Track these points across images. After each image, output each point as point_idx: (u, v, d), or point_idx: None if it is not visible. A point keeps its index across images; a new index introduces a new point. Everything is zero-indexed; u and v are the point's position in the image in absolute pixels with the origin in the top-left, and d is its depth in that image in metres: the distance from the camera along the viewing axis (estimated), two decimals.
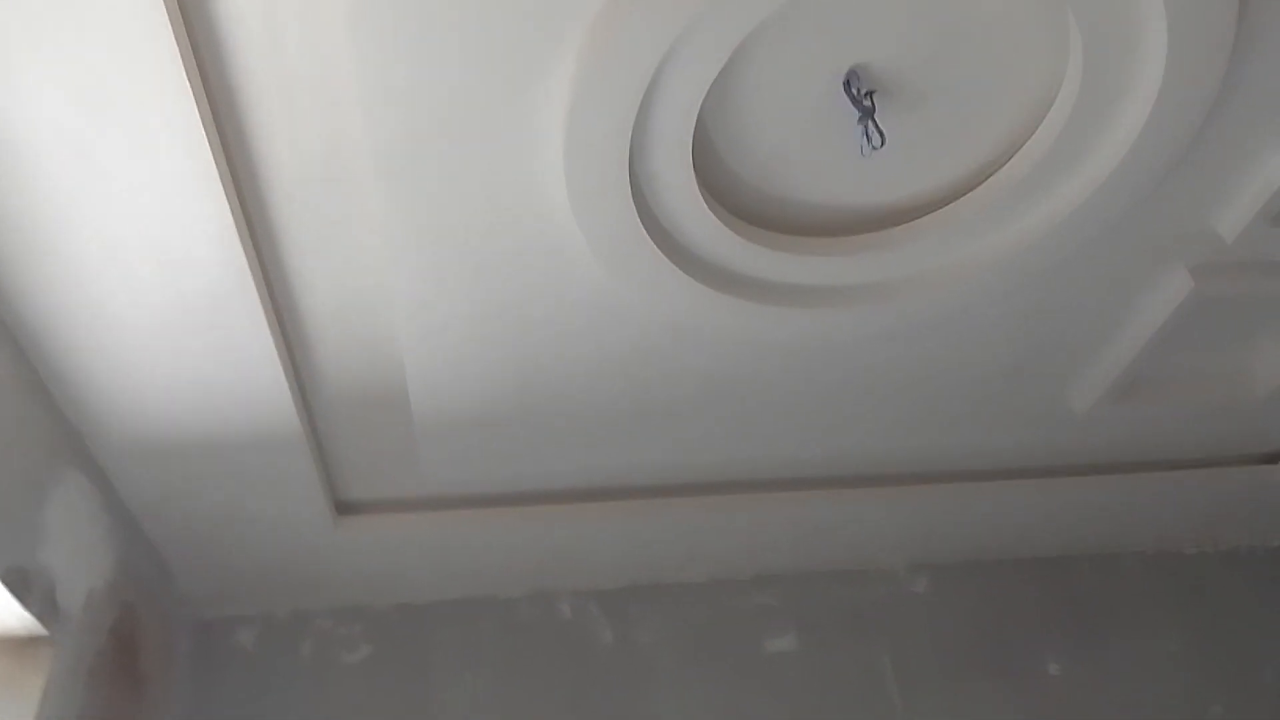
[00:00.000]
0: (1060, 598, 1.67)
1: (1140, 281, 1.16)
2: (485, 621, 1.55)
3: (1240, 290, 1.14)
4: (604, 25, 0.78)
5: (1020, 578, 1.67)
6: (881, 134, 0.85)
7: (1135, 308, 1.19)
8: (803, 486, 1.49)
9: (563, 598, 1.58)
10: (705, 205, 0.94)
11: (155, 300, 0.98)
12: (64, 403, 1.09)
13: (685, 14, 0.77)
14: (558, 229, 0.96)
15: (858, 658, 1.58)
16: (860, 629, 1.60)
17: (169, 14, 0.74)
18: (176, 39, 0.75)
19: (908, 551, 1.64)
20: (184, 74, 0.77)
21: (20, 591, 1.02)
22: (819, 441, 1.39)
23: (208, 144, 0.83)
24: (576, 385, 1.22)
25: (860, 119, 0.85)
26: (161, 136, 0.82)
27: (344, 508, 1.41)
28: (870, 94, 0.86)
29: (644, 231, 0.94)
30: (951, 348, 1.23)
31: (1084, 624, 1.65)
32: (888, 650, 1.58)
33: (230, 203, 0.89)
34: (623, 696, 1.51)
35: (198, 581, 1.45)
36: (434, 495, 1.40)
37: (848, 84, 0.87)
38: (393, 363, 1.16)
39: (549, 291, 1.07)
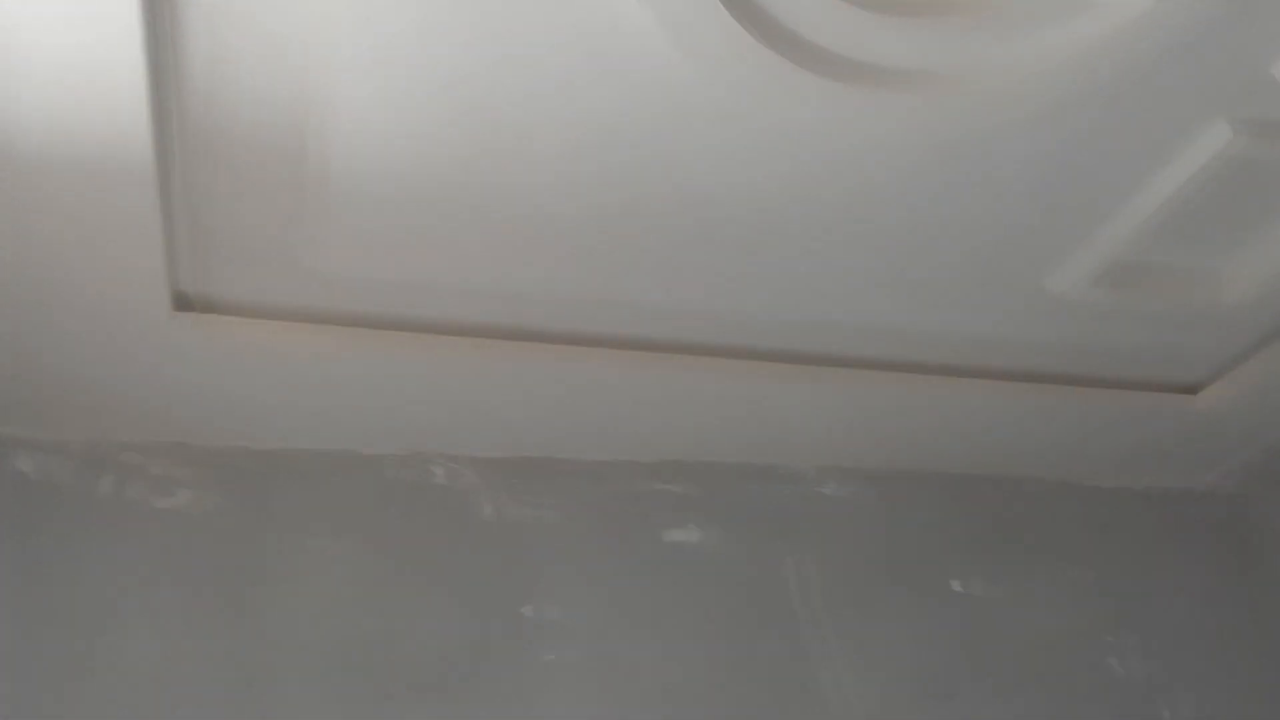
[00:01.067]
0: (974, 517, 1.54)
1: (1177, 129, 1.01)
2: (343, 479, 1.24)
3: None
4: None
5: (933, 491, 1.53)
6: None
7: (1166, 160, 1.04)
8: (731, 353, 1.28)
9: (438, 461, 1.29)
10: None
11: None
12: None
13: None
14: None
15: (762, 557, 1.39)
16: (766, 528, 1.40)
17: None
18: None
19: (819, 452, 1.46)
20: None
21: None
22: (774, 294, 1.21)
23: None
24: (547, 177, 0.99)
25: None
26: None
27: (184, 301, 1.06)
28: None
29: None
30: (966, 187, 1.08)
31: (995, 546, 1.53)
32: (791, 552, 1.39)
33: None
34: (498, 579, 1.25)
35: None
36: (307, 303, 1.10)
37: None
38: (304, 99, 0.87)
39: (560, 42, 0.83)
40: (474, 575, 1.25)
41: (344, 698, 1.12)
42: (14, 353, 1.05)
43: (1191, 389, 1.52)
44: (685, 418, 1.35)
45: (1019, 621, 1.46)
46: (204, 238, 0.99)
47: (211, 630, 1.11)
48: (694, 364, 1.26)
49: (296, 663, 1.11)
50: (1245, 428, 1.57)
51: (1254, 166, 1.08)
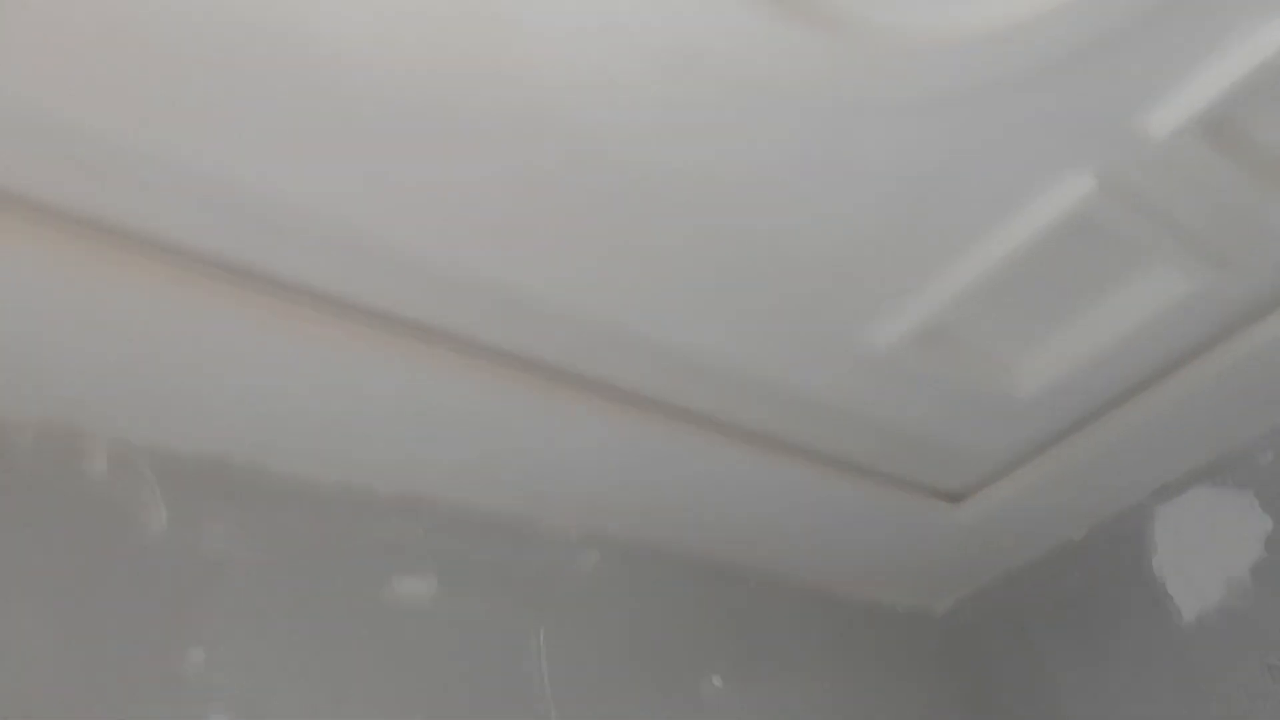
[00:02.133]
0: (726, 613, 1.34)
1: (1039, 173, 0.92)
2: None
3: (1134, 215, 1.00)
4: None
5: (690, 580, 1.34)
6: None
7: (1018, 207, 0.95)
8: (499, 355, 1.02)
9: (100, 446, 0.92)
10: None
11: None
12: None
13: None
14: None
15: (506, 627, 1.10)
16: (516, 594, 1.13)
17: None
18: None
19: (585, 510, 1.22)
20: None
21: None
22: (575, 290, 0.99)
23: None
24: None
25: None
26: None
27: None
28: None
29: None
30: (819, 203, 0.94)
31: (744, 648, 1.34)
32: (541, 625, 1.12)
33: None
34: (160, 610, 0.88)
35: None
36: None
37: None
38: None
39: None
40: (123, 605, 0.87)
41: None
42: None
43: (957, 496, 1.44)
44: (434, 438, 1.05)
45: None
46: None
47: None
48: (448, 363, 0.98)
49: None
50: (997, 547, 1.51)
51: (1099, 237, 1.01)
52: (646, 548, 1.31)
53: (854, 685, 1.45)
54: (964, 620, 1.61)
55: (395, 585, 1.05)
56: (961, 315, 1.09)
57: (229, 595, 0.94)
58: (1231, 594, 1.35)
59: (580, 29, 0.72)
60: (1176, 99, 0.88)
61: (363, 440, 1.04)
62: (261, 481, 1.02)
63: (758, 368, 1.10)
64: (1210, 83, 0.87)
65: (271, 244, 0.83)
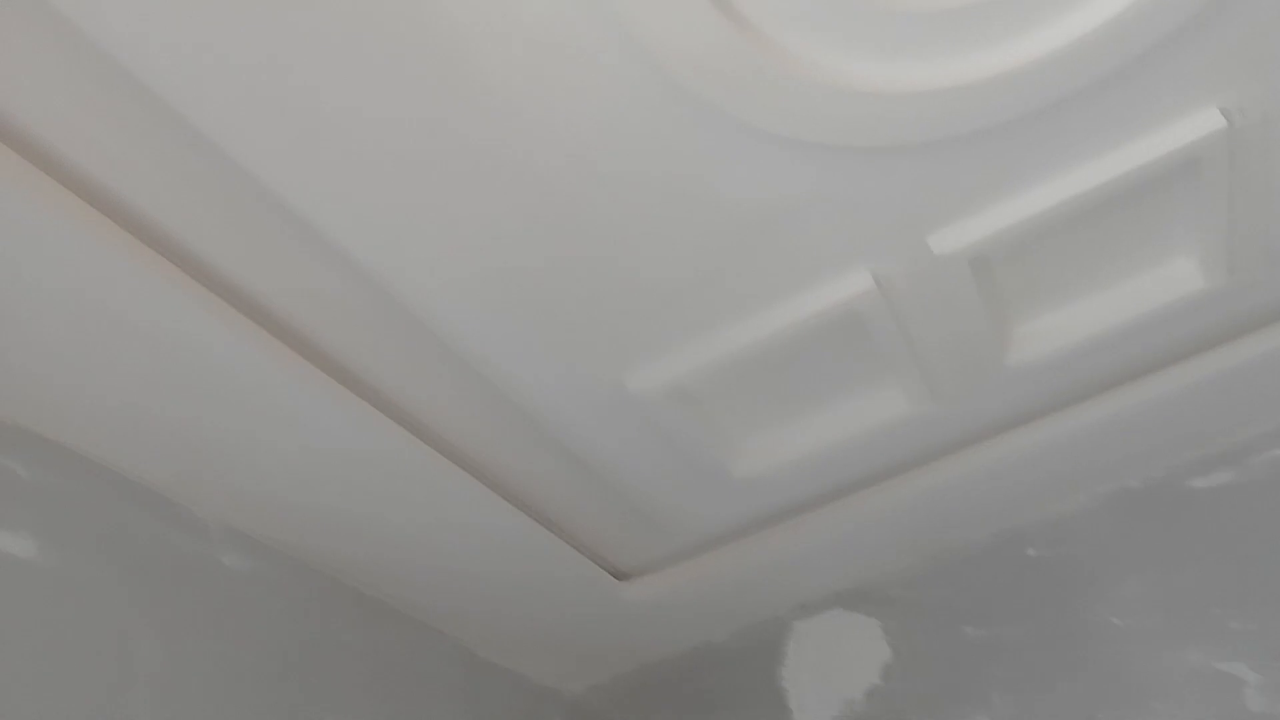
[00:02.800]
0: (367, 646, 1.19)
1: (835, 258, 0.95)
2: None
3: (890, 324, 1.04)
4: None
5: (340, 605, 1.17)
6: None
7: (807, 288, 0.98)
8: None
9: None
10: None
11: None
12: None
13: None
14: None
15: (108, 607, 0.88)
16: (125, 571, 0.91)
17: None
18: None
19: (232, 499, 1.03)
20: None
21: None
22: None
23: None
24: None
25: None
26: None
27: None
28: None
29: None
30: (651, 226, 0.89)
31: (375, 686, 1.21)
32: (139, 619, 0.92)
33: None
34: None
35: None
36: None
37: None
38: None
39: None
40: None
41: None
42: None
43: (625, 574, 1.40)
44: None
45: None
46: None
47: None
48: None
49: None
50: (646, 636, 1.48)
51: (861, 337, 1.03)
52: (298, 560, 1.12)
53: None
54: (591, 707, 1.54)
55: None
56: (716, 381, 1.06)
57: None
58: (844, 716, 1.39)
59: None
60: (964, 224, 0.92)
61: None
62: None
63: (512, 381, 0.99)
64: (994, 219, 0.91)
65: None
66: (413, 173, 0.78)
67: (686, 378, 1.00)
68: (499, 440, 1.10)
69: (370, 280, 0.86)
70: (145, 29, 0.65)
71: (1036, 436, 1.24)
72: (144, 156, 0.72)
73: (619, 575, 1.39)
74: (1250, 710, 1.17)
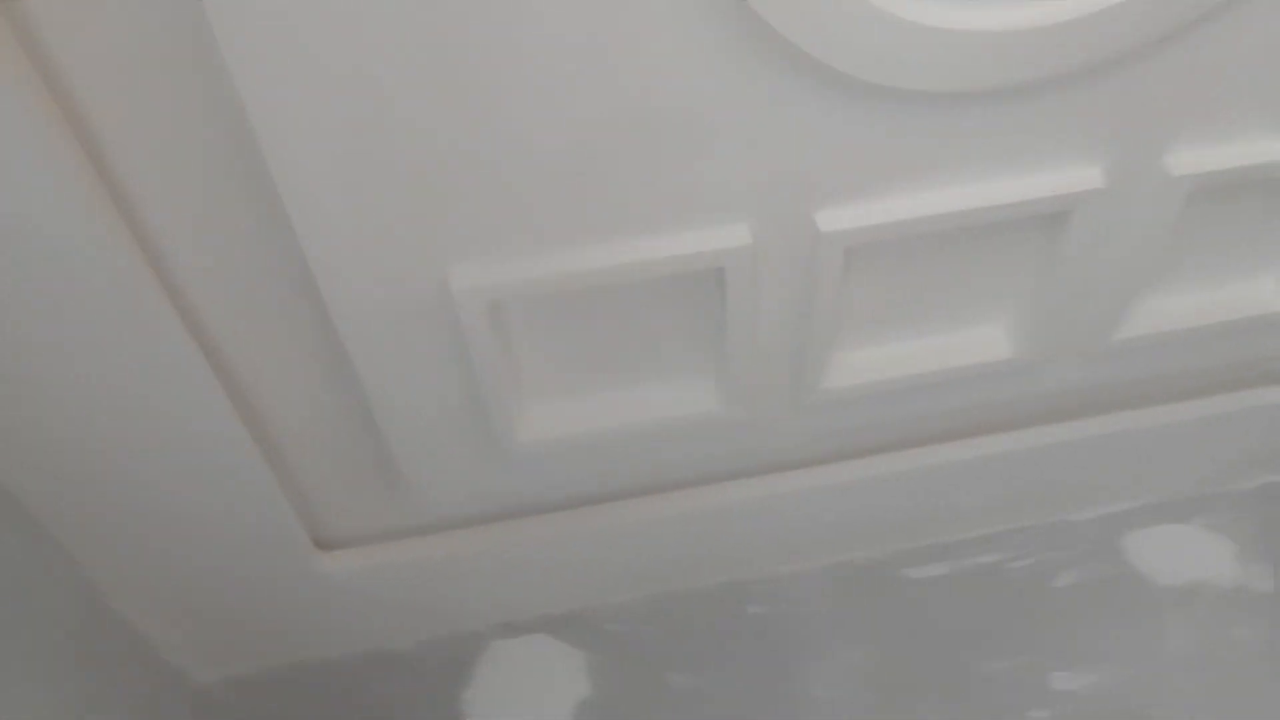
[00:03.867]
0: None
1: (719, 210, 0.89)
2: None
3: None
4: None
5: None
6: None
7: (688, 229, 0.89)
8: None
9: None
10: None
11: None
12: None
13: None
14: None
15: None
16: None
17: None
18: None
19: None
20: None
21: None
22: None
23: None
24: None
25: None
26: None
27: None
28: None
29: None
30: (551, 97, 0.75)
31: None
32: None
33: None
34: None
35: None
36: None
37: None
38: None
39: None
40: None
41: None
42: None
43: (329, 544, 1.18)
44: None
45: None
46: None
47: None
48: None
49: None
50: (327, 625, 1.25)
51: (710, 303, 0.96)
52: None
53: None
54: (218, 702, 1.25)
55: None
56: (538, 313, 0.92)
57: None
58: None
59: None
60: (858, 208, 0.87)
61: None
62: None
63: (313, 240, 0.78)
64: (878, 214, 0.88)
65: None
66: None
67: (511, 292, 0.84)
68: (256, 314, 0.86)
69: None
70: None
71: (791, 485, 1.21)
72: None
73: (320, 542, 1.15)
74: None
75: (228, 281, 0.85)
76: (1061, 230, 0.94)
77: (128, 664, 1.12)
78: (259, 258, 0.83)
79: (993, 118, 0.82)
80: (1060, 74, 0.79)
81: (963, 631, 1.31)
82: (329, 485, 1.07)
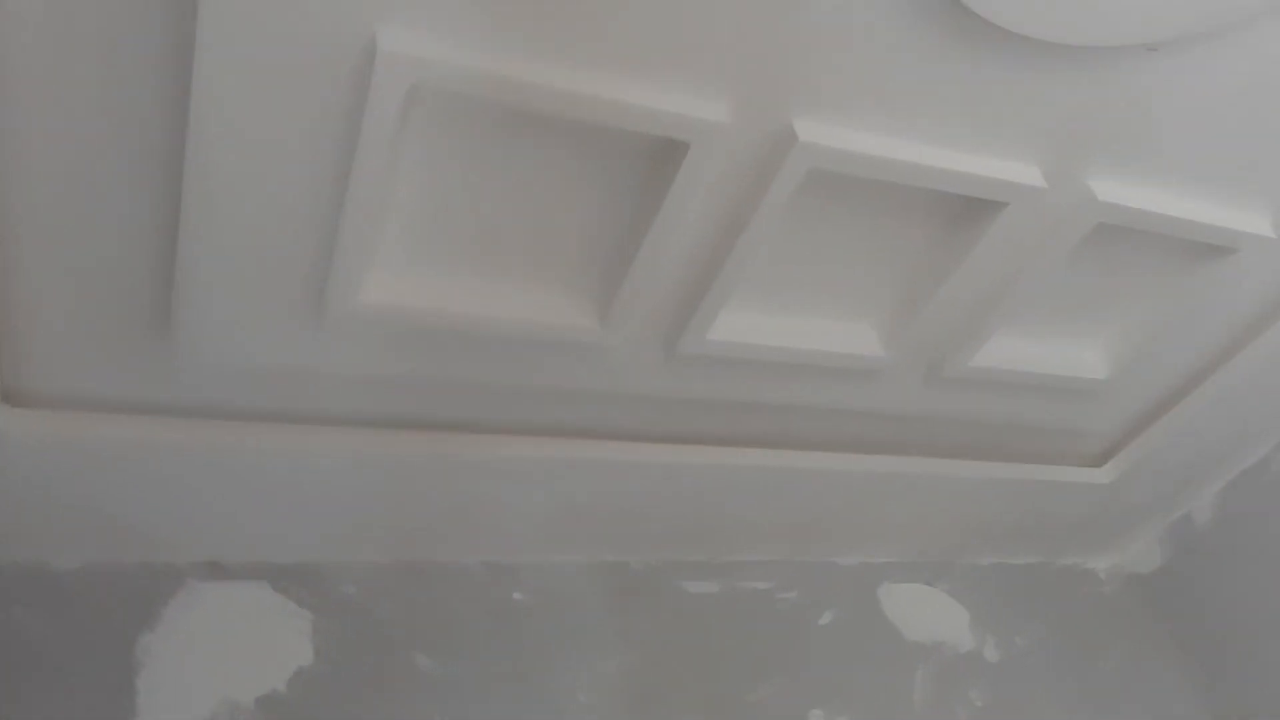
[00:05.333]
0: None
1: None
2: None
3: None
4: None
5: None
6: None
7: None
8: None
9: None
10: None
11: None
12: None
13: None
14: None
15: None
16: None
17: None
18: None
19: None
20: None
21: None
22: None
23: None
24: None
25: None
26: None
27: None
28: None
29: None
30: None
31: None
32: None
33: None
34: None
35: None
36: None
37: None
38: None
39: None
40: None
41: None
42: None
43: (26, 398, 0.90)
44: None
45: None
46: None
47: None
48: None
49: None
50: None
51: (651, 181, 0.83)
52: None
53: None
54: None
55: None
56: (462, 118, 0.75)
57: None
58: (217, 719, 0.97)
59: None
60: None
61: None
62: None
63: None
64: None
65: None
66: None
67: (440, 79, 0.66)
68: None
69: None
70: None
71: (588, 454, 1.06)
72: None
73: (7, 393, 0.84)
74: None
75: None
76: (986, 226, 0.91)
77: None
78: None
79: (985, 84, 0.80)
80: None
81: (732, 654, 1.21)
82: (46, 315, 0.77)
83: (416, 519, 1.06)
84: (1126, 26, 0.75)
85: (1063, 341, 1.13)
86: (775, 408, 1.09)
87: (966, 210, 0.91)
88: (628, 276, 0.84)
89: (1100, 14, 0.74)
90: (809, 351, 0.99)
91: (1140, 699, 1.44)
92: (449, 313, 0.84)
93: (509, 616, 1.15)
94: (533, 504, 1.09)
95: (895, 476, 1.22)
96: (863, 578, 1.38)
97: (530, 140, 0.74)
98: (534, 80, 0.68)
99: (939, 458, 1.26)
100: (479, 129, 0.73)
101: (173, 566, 1.03)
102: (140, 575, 1.01)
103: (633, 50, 0.69)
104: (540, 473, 1.04)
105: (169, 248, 0.75)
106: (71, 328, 0.79)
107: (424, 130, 0.72)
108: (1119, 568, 1.58)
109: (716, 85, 0.73)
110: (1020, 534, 1.43)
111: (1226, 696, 1.46)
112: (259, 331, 0.80)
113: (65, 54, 0.63)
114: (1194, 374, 1.24)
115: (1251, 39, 0.81)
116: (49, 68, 0.63)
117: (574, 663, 1.14)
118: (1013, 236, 0.92)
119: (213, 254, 0.73)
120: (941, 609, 1.41)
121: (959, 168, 0.84)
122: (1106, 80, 0.81)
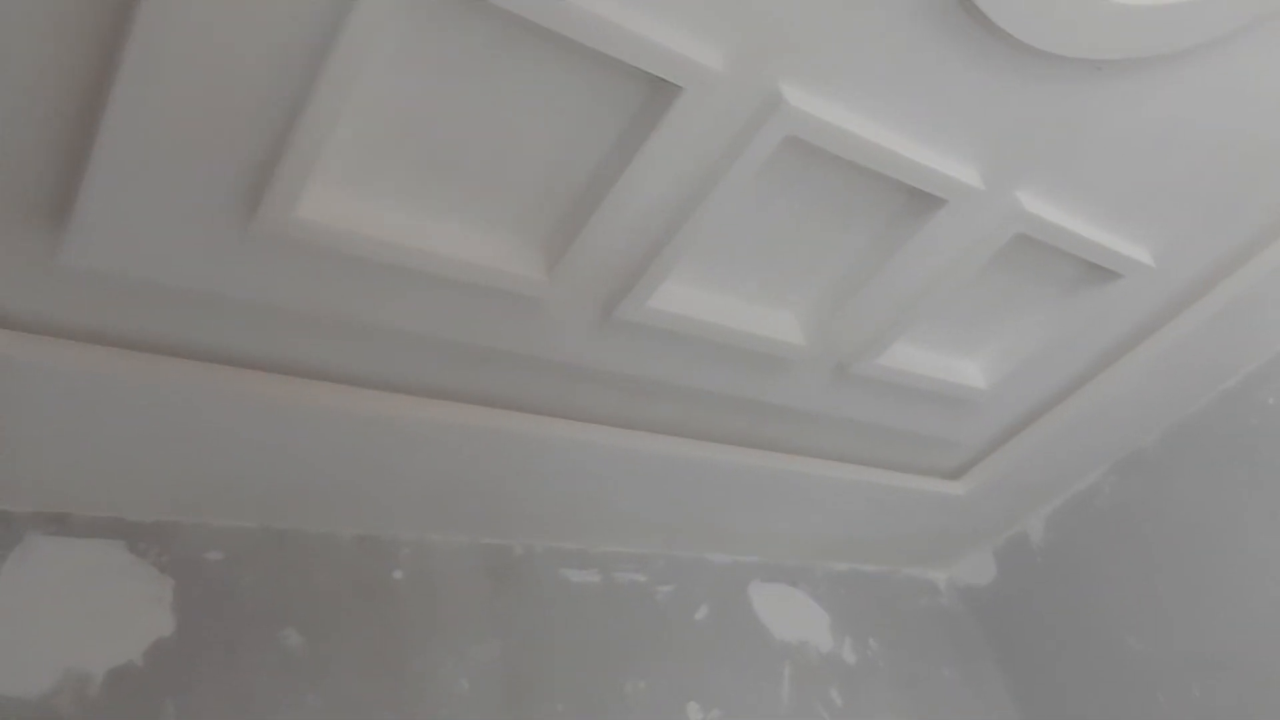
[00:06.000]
0: None
1: None
2: None
3: None
4: None
5: None
6: None
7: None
8: None
9: None
10: None
11: None
12: None
13: None
14: None
15: None
16: None
17: None
18: None
19: None
20: None
21: None
22: None
23: None
24: None
25: None
26: None
27: None
28: None
29: None
30: None
31: None
32: None
33: None
34: None
35: None
36: None
37: None
38: None
39: None
40: None
41: None
42: None
43: None
44: None
45: None
46: None
47: None
48: None
49: None
50: None
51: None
52: None
53: None
54: None
55: None
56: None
57: None
58: (59, 691, 0.87)
59: None
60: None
61: None
62: None
63: None
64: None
65: None
66: None
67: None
68: None
69: None
70: None
71: (486, 422, 1.00)
72: None
73: None
74: None
75: None
76: (922, 224, 0.94)
77: None
78: None
79: (954, 78, 0.83)
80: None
81: (611, 645, 1.18)
82: None
83: (292, 481, 0.96)
84: (1080, 40, 0.79)
85: (953, 350, 1.17)
86: (684, 392, 1.07)
87: (907, 206, 0.93)
88: (587, 226, 0.80)
89: (1061, 23, 0.77)
90: (736, 332, 0.97)
91: (967, 708, 1.51)
92: (384, 242, 0.77)
93: (386, 595, 1.07)
94: (417, 473, 1.01)
95: (776, 473, 1.23)
96: (734, 575, 1.38)
97: (519, 56, 0.70)
98: None
99: (819, 458, 1.27)
100: (470, 33, 0.68)
101: (9, 516, 0.88)
102: None
103: None
104: (429, 439, 0.96)
105: (83, 130, 0.64)
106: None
107: (412, 25, 0.66)
108: (956, 579, 1.66)
109: (717, 33, 0.71)
110: (875, 542, 1.47)
111: (1040, 708, 1.55)
112: (168, 239, 0.70)
113: None
114: (1054, 396, 1.32)
115: (1188, 73, 0.87)
116: None
117: (452, 648, 1.07)
118: (944, 236, 0.95)
119: (138, 141, 0.64)
120: (805, 610, 1.43)
121: (914, 157, 0.85)
122: (1052, 94, 0.85)
